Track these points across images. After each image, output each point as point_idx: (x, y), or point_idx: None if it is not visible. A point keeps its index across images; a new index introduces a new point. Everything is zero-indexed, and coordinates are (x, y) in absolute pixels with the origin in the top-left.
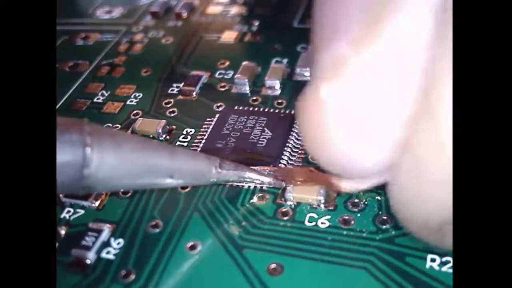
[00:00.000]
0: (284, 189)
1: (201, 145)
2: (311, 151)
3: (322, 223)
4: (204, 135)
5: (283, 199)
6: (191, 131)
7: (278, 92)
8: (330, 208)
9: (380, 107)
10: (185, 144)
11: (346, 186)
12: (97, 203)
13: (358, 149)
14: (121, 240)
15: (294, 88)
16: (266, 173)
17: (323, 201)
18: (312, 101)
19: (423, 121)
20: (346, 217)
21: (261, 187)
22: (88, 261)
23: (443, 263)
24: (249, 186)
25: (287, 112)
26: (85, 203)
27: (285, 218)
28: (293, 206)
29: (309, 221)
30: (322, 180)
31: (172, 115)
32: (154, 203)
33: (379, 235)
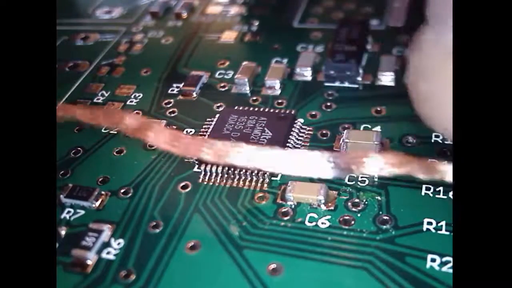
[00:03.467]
0: (284, 190)
1: None
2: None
3: (322, 223)
4: (204, 135)
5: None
6: (191, 131)
7: (278, 92)
8: (331, 208)
9: None
10: None
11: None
12: (97, 204)
13: None
14: (121, 241)
15: (294, 88)
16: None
17: (323, 201)
18: None
19: None
20: (347, 217)
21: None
22: (89, 262)
23: (443, 263)
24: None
25: (287, 112)
26: (86, 204)
27: (286, 218)
28: (293, 206)
29: (309, 221)
30: (419, 165)
31: (172, 115)
32: (155, 204)
33: (379, 235)
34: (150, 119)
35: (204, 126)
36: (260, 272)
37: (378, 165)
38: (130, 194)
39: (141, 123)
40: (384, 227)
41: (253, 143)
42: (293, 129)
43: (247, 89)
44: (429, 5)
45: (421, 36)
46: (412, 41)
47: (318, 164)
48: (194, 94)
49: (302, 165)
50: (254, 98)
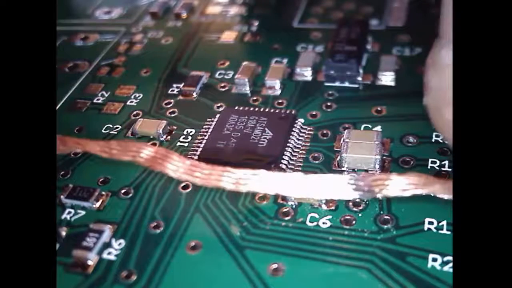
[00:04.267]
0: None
1: (201, 145)
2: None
3: (323, 223)
4: (205, 135)
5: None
6: (191, 132)
7: (278, 92)
8: (332, 208)
9: None
10: (186, 144)
11: None
12: (98, 204)
13: None
14: (122, 241)
15: (295, 88)
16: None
17: (324, 201)
18: None
19: None
20: (348, 217)
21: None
22: (90, 262)
23: (444, 263)
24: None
25: (287, 112)
26: (86, 204)
27: (287, 218)
28: (294, 206)
29: (310, 221)
30: (441, 185)
31: (173, 115)
32: (155, 204)
33: (381, 235)
34: (167, 150)
35: (204, 126)
36: (261, 272)
37: (401, 186)
38: (130, 195)
39: (158, 155)
40: (385, 226)
41: (254, 166)
42: (293, 129)
43: (247, 89)
44: (446, 24)
45: (438, 55)
46: (428, 59)
47: (341, 187)
48: (194, 94)
49: (325, 189)
50: (255, 98)
